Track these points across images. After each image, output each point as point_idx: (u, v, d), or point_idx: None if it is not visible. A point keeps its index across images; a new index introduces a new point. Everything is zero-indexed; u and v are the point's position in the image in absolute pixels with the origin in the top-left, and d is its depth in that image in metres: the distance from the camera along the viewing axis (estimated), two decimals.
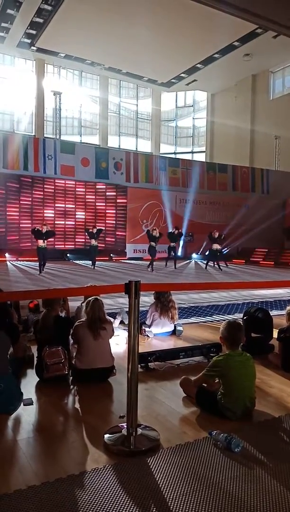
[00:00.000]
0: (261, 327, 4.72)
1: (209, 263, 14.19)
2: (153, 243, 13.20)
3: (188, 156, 25.52)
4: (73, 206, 17.20)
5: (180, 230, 14.94)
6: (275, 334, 4.46)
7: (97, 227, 14.23)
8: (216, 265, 13.96)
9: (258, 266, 16.28)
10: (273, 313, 5.70)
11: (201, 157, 25.71)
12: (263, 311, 4.89)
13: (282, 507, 2.02)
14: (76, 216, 17.30)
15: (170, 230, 15.44)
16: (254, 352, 3.88)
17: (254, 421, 2.98)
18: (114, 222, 17.98)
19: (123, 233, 18.12)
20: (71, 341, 3.85)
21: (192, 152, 26.94)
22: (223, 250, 15.17)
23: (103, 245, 17.66)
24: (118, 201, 18.00)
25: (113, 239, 17.95)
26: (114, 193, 17.90)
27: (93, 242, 13.50)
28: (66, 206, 17.03)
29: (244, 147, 23.52)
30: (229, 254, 19.08)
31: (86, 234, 14.34)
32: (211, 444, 2.60)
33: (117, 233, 18.03)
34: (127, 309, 5.05)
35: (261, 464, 2.41)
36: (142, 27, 17.74)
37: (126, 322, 4.87)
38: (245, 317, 4.85)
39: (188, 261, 17.21)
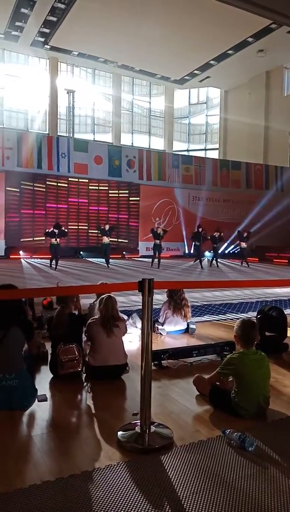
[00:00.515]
0: (275, 326, 4.67)
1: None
2: (157, 241, 13.24)
3: (201, 154, 25.37)
4: (86, 204, 17.27)
5: (221, 234, 14.85)
6: (289, 333, 4.42)
7: (110, 225, 14.13)
8: (244, 263, 14.26)
9: (272, 264, 16.13)
10: (287, 311, 5.64)
11: (214, 154, 25.54)
12: (277, 310, 4.85)
13: None
14: (89, 214, 17.37)
15: (195, 230, 15.40)
16: (268, 351, 3.84)
17: (268, 420, 2.96)
18: (126, 219, 18.01)
19: (135, 231, 18.13)
20: (85, 339, 3.88)
21: (205, 149, 26.78)
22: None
23: (116, 243, 17.74)
24: (130, 198, 18.01)
25: (126, 237, 17.98)
26: (127, 191, 17.91)
27: (106, 239, 13.32)
28: (79, 204, 17.11)
29: (258, 144, 23.28)
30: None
31: (98, 231, 14.26)
32: (225, 442, 2.59)
33: (129, 230, 18.06)
34: (139, 313, 5.09)
35: (275, 463, 2.39)
36: (155, 24, 17.68)
37: (138, 326, 4.89)
38: (259, 316, 4.81)
39: (201, 259, 17.11)
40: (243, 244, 14.81)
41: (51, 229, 12.55)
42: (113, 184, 17.61)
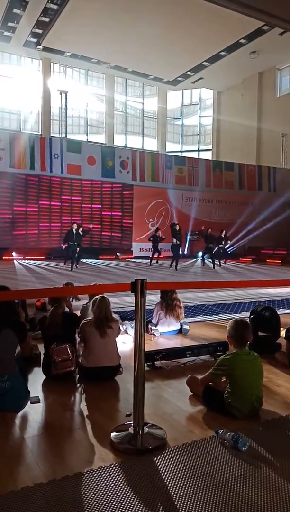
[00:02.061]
0: (268, 326, 4.69)
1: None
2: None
3: (194, 155, 25.45)
4: (79, 204, 17.22)
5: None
6: (282, 332, 4.44)
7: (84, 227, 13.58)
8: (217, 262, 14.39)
9: (265, 264, 16.20)
10: (280, 311, 5.67)
11: (207, 155, 25.62)
12: (270, 310, 4.86)
13: (288, 506, 2.01)
14: (83, 215, 17.33)
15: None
16: (261, 351, 3.86)
17: (261, 420, 2.97)
18: (120, 220, 17.99)
19: (129, 232, 18.12)
20: (78, 339, 3.87)
21: (198, 150, 26.85)
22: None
23: (109, 244, 17.73)
24: (124, 199, 18.00)
25: (119, 238, 17.97)
26: (120, 192, 17.90)
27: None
28: (73, 204, 17.07)
29: (251, 145, 23.39)
30: (236, 252, 19.02)
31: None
32: (218, 443, 2.59)
33: (123, 231, 18.05)
34: (131, 323, 5.07)
35: (268, 463, 2.40)
36: (148, 25, 17.70)
37: (129, 333, 4.89)
38: (252, 316, 4.83)
39: (195, 259, 17.17)
40: (221, 245, 14.85)
41: (70, 229, 12.69)
42: (106, 185, 17.58)
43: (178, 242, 13.72)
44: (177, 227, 13.96)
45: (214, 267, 13.61)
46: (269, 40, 18.96)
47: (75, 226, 12.73)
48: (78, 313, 5.30)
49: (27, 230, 16.21)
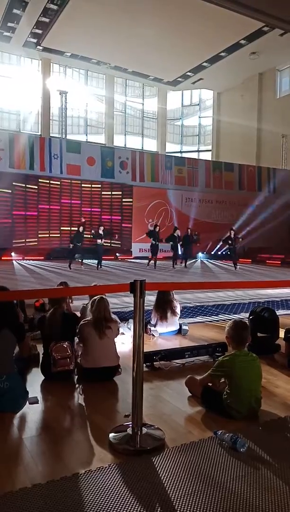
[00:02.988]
0: (267, 327, 4.69)
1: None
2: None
3: (194, 155, 25.45)
4: (79, 205, 17.23)
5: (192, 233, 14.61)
6: (281, 333, 4.44)
7: (104, 228, 13.81)
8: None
9: (265, 265, 16.21)
10: (279, 312, 5.67)
11: (207, 156, 25.62)
12: (269, 311, 4.86)
13: (287, 507, 2.01)
14: (83, 215, 17.32)
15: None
16: (260, 352, 3.86)
17: (260, 421, 2.96)
18: (119, 221, 17.99)
19: (129, 232, 18.12)
20: (76, 340, 3.86)
21: (198, 151, 26.86)
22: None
23: (109, 244, 17.72)
24: (123, 200, 18.00)
25: (119, 238, 17.96)
26: (120, 192, 17.91)
27: (99, 241, 13.09)
28: (72, 205, 17.07)
29: (251, 146, 23.40)
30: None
31: (92, 235, 13.80)
32: (217, 443, 2.59)
33: (122, 232, 18.04)
34: (126, 323, 5.06)
35: (266, 464, 2.40)
36: (148, 26, 17.71)
37: (124, 333, 4.88)
38: (251, 317, 4.83)
39: (194, 260, 17.18)
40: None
41: (97, 229, 12.95)
42: (106, 185, 17.58)
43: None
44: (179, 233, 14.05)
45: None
46: (269, 41, 18.97)
47: (81, 228, 12.98)
48: (77, 313, 5.31)
49: (26, 237, 16.21)
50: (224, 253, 18.82)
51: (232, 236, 13.87)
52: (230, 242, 13.86)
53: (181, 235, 14.19)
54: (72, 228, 17.00)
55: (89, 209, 17.43)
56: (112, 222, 17.82)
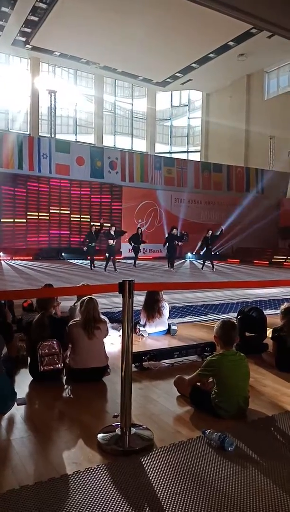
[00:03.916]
0: (255, 326, 4.73)
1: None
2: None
3: (183, 156, 25.54)
4: (68, 205, 17.16)
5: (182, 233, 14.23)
6: (269, 333, 4.48)
7: (115, 228, 13.21)
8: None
9: (253, 265, 16.33)
10: (267, 312, 5.72)
11: (196, 157, 25.73)
12: (257, 310, 4.90)
13: (274, 506, 2.03)
14: (71, 215, 17.27)
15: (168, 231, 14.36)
16: (248, 351, 3.90)
17: (248, 420, 2.99)
18: (109, 221, 17.94)
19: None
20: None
21: (187, 152, 26.96)
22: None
23: (98, 244, 17.67)
24: (113, 200, 17.97)
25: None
26: (109, 192, 17.88)
27: (111, 242, 12.49)
28: (61, 205, 17.00)
29: (239, 147, 23.57)
30: (224, 253, 19.14)
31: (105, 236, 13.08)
32: (205, 443, 2.60)
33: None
34: (112, 324, 5.03)
35: (254, 462, 2.42)
36: (138, 26, 17.72)
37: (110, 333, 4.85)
38: (239, 316, 4.86)
39: (183, 260, 17.23)
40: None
41: (108, 230, 12.82)
42: (95, 185, 17.54)
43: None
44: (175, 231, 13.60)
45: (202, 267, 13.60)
46: (257, 43, 19.14)
47: (93, 228, 12.99)
48: (60, 314, 5.28)
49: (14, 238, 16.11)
50: (213, 253, 18.91)
51: (209, 236, 13.44)
52: (208, 243, 13.44)
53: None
54: (61, 228, 17.02)
55: (78, 215, 17.38)
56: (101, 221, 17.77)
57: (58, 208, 16.94)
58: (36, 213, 16.54)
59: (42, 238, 16.76)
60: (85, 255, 13.81)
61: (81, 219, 17.36)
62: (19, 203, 16.19)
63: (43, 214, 16.70)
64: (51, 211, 16.85)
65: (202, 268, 13.50)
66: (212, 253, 14.33)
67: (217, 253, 18.94)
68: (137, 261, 13.89)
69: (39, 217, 16.63)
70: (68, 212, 17.16)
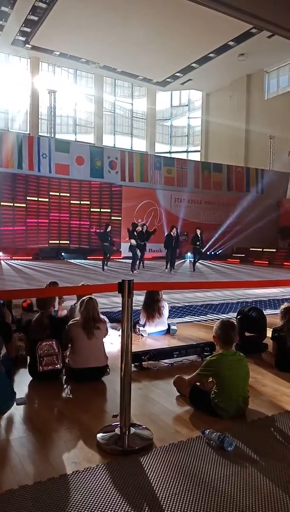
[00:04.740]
0: (255, 326, 4.72)
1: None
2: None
3: (183, 156, 25.54)
4: (68, 204, 17.16)
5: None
6: (269, 333, 4.48)
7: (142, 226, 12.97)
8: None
9: (253, 265, 16.33)
10: (267, 312, 5.71)
11: (196, 157, 25.73)
12: (257, 310, 4.90)
13: (274, 506, 2.03)
14: (71, 215, 17.27)
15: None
16: (248, 351, 3.90)
17: (247, 420, 2.98)
18: (108, 221, 17.94)
19: (118, 232, 18.06)
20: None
21: (187, 152, 26.96)
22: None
23: (95, 244, 17.69)
24: (112, 200, 17.97)
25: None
26: (109, 192, 17.88)
27: (133, 242, 12.35)
28: (61, 204, 16.99)
29: (239, 147, 23.57)
30: (224, 253, 19.15)
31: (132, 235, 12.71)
32: (204, 443, 2.60)
33: (111, 232, 17.98)
34: (111, 324, 5.01)
35: (253, 462, 2.41)
36: (137, 26, 17.72)
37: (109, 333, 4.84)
38: (239, 316, 4.86)
39: (183, 260, 17.22)
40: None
41: (104, 230, 12.73)
42: (95, 185, 17.54)
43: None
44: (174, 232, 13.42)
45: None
46: (257, 43, 19.14)
47: (109, 227, 12.81)
48: (65, 312, 5.29)
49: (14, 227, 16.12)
50: (213, 253, 18.95)
51: (199, 235, 13.20)
52: (198, 243, 13.19)
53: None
54: (61, 227, 17.02)
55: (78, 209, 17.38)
56: (100, 221, 17.79)
57: (58, 206, 16.91)
58: (36, 213, 16.52)
59: (42, 238, 16.76)
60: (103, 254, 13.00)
61: (81, 220, 17.36)
62: (18, 202, 16.17)
63: (42, 214, 16.68)
64: (51, 211, 16.85)
65: (193, 270, 13.04)
66: (202, 251, 14.14)
67: (217, 253, 19.01)
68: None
69: (39, 212, 16.63)
70: (67, 209, 17.13)
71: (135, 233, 12.47)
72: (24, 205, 16.26)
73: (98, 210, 17.79)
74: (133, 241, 12.24)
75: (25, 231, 16.41)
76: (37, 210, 16.56)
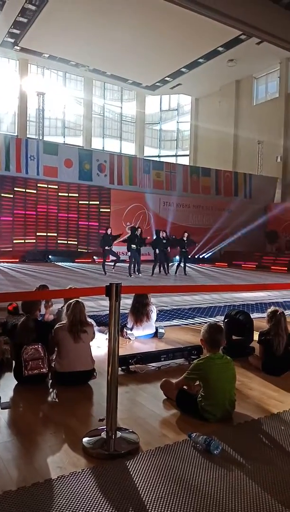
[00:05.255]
0: (242, 330, 4.75)
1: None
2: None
3: (172, 160, 25.62)
4: (56, 207, 17.08)
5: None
6: (255, 336, 4.50)
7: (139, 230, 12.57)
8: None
9: (240, 269, 16.43)
10: (254, 315, 5.74)
11: (185, 161, 25.85)
12: (244, 314, 4.93)
13: (260, 508, 2.03)
14: (59, 218, 17.18)
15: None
16: (235, 354, 3.92)
17: (234, 423, 2.99)
18: (97, 224, 17.91)
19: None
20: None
21: (176, 156, 27.07)
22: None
23: (85, 247, 17.64)
24: (101, 203, 17.94)
25: (96, 241, 17.87)
26: (98, 195, 17.84)
27: (133, 246, 12.20)
28: (49, 207, 16.91)
29: (228, 152, 23.75)
30: (212, 257, 19.24)
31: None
32: (191, 446, 2.60)
33: (100, 235, 17.94)
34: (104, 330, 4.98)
35: (239, 465, 2.42)
36: (127, 30, 17.77)
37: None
38: (226, 320, 4.88)
39: (171, 264, 17.22)
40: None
41: (105, 233, 12.41)
42: (84, 188, 17.49)
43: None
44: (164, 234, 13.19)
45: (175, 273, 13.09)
46: (246, 49, 19.35)
47: (109, 230, 12.40)
48: (52, 317, 5.25)
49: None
50: (201, 256, 19.03)
51: (185, 239, 12.90)
52: (184, 247, 12.90)
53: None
54: (48, 230, 16.92)
55: (66, 215, 17.30)
56: (89, 225, 17.74)
57: (46, 209, 16.82)
58: (23, 212, 16.41)
59: (29, 239, 16.63)
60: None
61: (69, 222, 17.29)
62: (5, 205, 16.04)
63: (30, 216, 16.57)
64: (39, 213, 16.74)
65: (185, 273, 12.91)
66: (189, 256, 13.94)
67: (206, 256, 19.09)
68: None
69: (26, 217, 16.51)
70: (55, 212, 17.05)
71: (135, 237, 12.29)
72: (12, 196, 16.13)
73: (86, 216, 17.72)
74: (133, 246, 12.17)
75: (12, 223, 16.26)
76: (24, 202, 16.45)
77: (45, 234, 16.89)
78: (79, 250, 17.46)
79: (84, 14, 16.92)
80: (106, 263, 12.50)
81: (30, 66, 22.38)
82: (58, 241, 17.23)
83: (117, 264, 12.82)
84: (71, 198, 17.37)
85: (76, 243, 17.55)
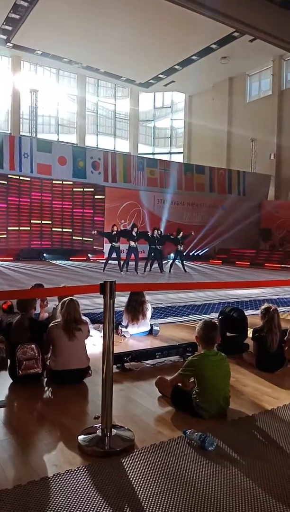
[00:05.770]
0: (236, 327, 4.77)
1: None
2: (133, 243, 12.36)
3: (166, 157, 25.62)
4: (50, 205, 17.01)
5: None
6: (250, 333, 4.53)
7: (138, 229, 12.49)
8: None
9: (234, 266, 16.48)
10: (248, 312, 5.78)
11: (179, 158, 25.86)
12: (238, 311, 4.95)
13: (254, 505, 2.05)
14: (53, 215, 17.12)
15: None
16: (229, 351, 3.93)
17: (228, 419, 3.01)
18: (91, 221, 17.88)
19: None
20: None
21: (170, 153, 27.07)
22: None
23: (81, 244, 17.61)
24: (95, 200, 17.91)
25: (91, 239, 17.86)
26: (92, 193, 17.80)
27: (132, 243, 12.19)
28: (43, 205, 16.84)
29: (221, 149, 23.79)
30: (206, 254, 19.28)
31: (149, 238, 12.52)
32: (186, 443, 2.61)
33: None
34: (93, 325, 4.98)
35: (234, 462, 2.44)
36: (121, 27, 17.72)
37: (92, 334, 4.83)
38: (220, 317, 4.90)
39: (165, 261, 17.25)
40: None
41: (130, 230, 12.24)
42: (78, 186, 17.44)
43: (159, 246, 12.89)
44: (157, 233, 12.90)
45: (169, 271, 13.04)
46: (239, 47, 19.37)
47: (115, 228, 12.17)
48: (47, 315, 5.24)
49: None
50: (196, 254, 19.07)
51: (180, 237, 12.65)
52: (179, 244, 12.67)
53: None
54: (42, 227, 16.86)
55: (60, 206, 17.26)
56: (84, 222, 17.70)
57: (40, 206, 16.76)
58: (17, 213, 16.33)
59: (23, 239, 16.57)
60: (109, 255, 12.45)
61: (64, 220, 17.24)
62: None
63: (24, 214, 16.50)
64: (33, 211, 16.67)
65: (169, 270, 12.84)
66: (184, 253, 13.77)
67: (200, 254, 19.14)
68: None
69: (20, 217, 16.44)
70: (49, 209, 16.99)
71: (134, 234, 12.19)
72: (5, 205, 16.05)
73: (80, 213, 17.68)
74: (133, 243, 12.15)
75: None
76: (18, 209, 16.37)
77: (39, 221, 16.80)
78: (74, 248, 17.40)
79: (77, 11, 16.84)
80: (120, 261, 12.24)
81: (23, 63, 22.25)
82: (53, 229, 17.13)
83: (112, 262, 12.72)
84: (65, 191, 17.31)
85: (70, 230, 17.46)
